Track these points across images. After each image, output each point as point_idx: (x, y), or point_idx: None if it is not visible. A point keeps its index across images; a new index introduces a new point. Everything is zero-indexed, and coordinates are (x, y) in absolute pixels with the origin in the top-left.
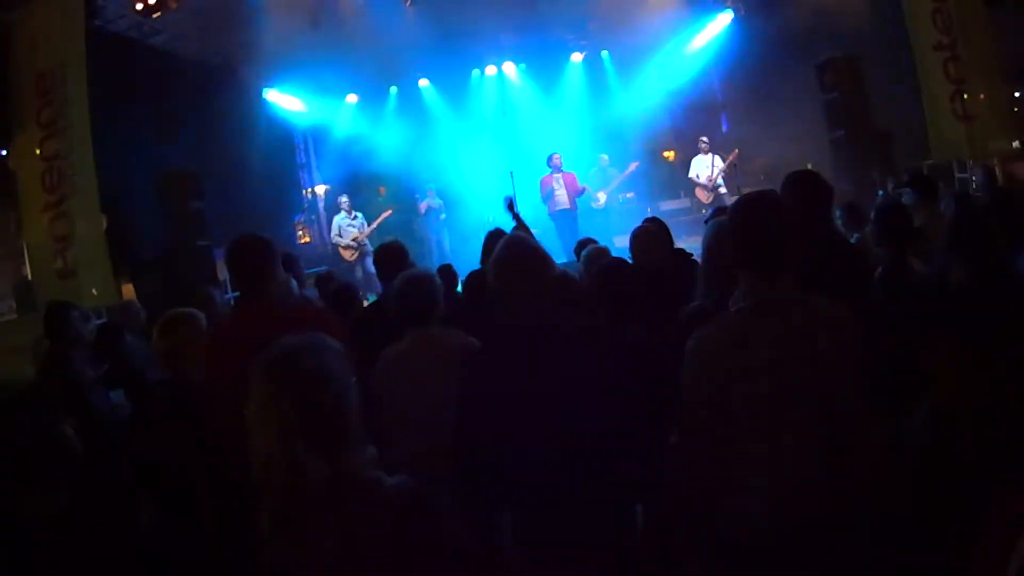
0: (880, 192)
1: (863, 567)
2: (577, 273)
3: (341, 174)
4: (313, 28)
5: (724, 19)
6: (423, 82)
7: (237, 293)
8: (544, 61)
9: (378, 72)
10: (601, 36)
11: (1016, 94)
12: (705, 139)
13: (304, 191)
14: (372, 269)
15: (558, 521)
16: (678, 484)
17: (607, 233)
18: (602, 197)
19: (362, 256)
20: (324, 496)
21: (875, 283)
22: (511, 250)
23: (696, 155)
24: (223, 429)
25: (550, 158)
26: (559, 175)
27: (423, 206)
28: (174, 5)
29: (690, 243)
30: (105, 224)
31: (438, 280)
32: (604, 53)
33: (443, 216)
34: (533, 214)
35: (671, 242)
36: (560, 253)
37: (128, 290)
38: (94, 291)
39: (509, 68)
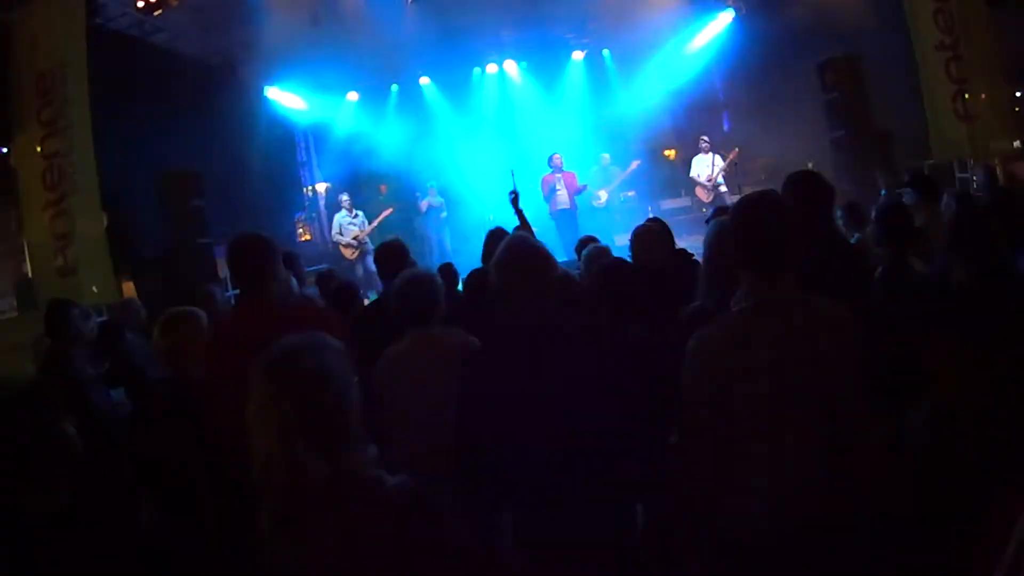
0: (883, 192)
1: (864, 567)
2: (577, 272)
3: (342, 172)
4: (314, 26)
5: (725, 18)
6: (424, 80)
7: (237, 291)
8: (545, 59)
9: (379, 70)
10: (602, 34)
11: (1017, 94)
12: (706, 138)
13: (305, 189)
14: (373, 267)
15: (559, 521)
16: (679, 484)
17: (608, 231)
18: (603, 195)
19: (363, 254)
20: (324, 495)
21: (875, 283)
22: (513, 250)
23: (697, 154)
24: (223, 428)
25: (551, 159)
26: (560, 175)
27: (424, 204)
28: (175, 3)
29: (690, 242)
30: (106, 222)
31: (439, 279)
32: (605, 51)
33: (444, 214)
34: (534, 212)
35: (672, 242)
36: (560, 252)
37: (128, 288)
38: (94, 289)
39: (510, 66)
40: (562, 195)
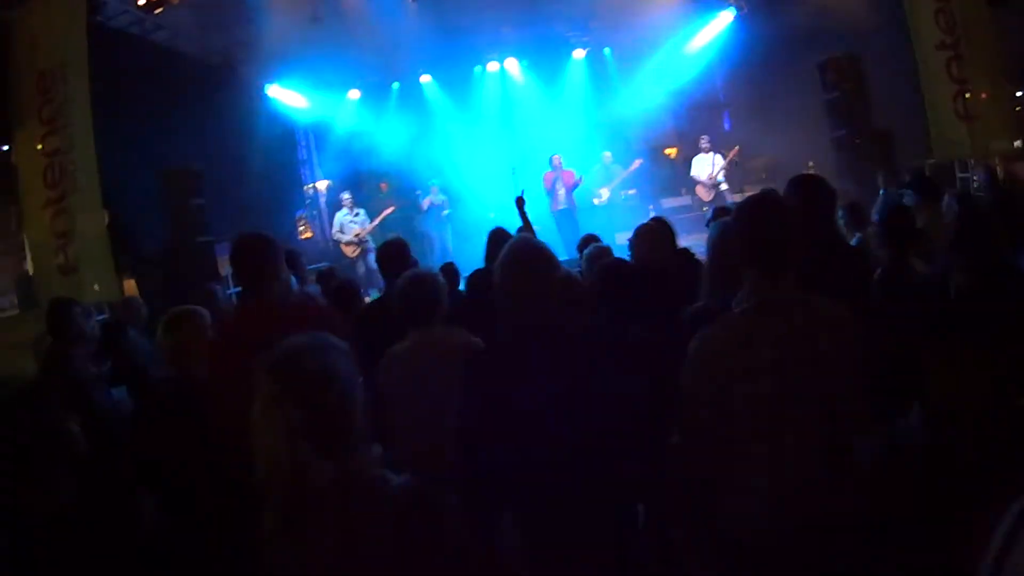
0: (882, 191)
1: (863, 567)
2: (578, 270)
3: (343, 170)
4: (314, 23)
5: (726, 17)
6: (425, 78)
7: (239, 288)
8: (546, 57)
9: (380, 68)
10: (603, 33)
11: (1018, 94)
12: (706, 138)
13: (305, 187)
14: (374, 265)
15: (560, 521)
16: (679, 484)
17: (609, 230)
18: (604, 194)
19: (364, 252)
20: (328, 495)
21: (874, 284)
22: (517, 251)
23: (697, 154)
24: (225, 427)
25: (550, 160)
26: (559, 175)
27: (425, 202)
28: (176, 1)
29: (691, 240)
30: (107, 220)
31: (441, 279)
32: (606, 50)
33: (446, 212)
34: (536, 211)
35: (674, 241)
36: (561, 251)
37: (130, 286)
38: (96, 287)
39: (511, 64)
40: (561, 195)
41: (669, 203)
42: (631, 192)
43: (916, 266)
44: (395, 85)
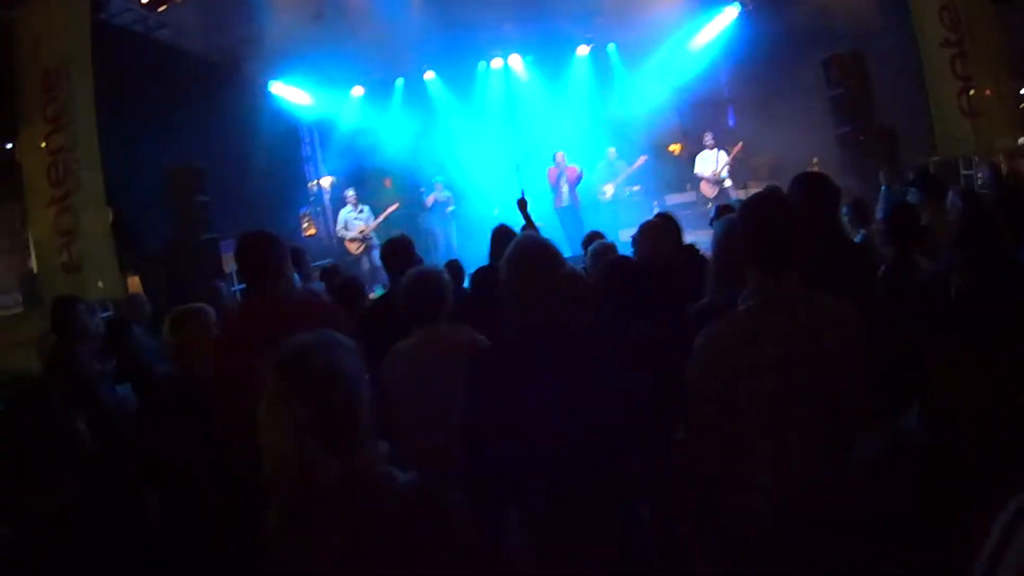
0: (884, 188)
1: (867, 564)
2: (582, 267)
3: (347, 167)
4: (318, 20)
5: (731, 13)
6: (429, 74)
7: (243, 285)
8: (550, 54)
9: (384, 64)
10: (608, 29)
11: (1023, 91)
12: (710, 135)
13: (309, 184)
14: (379, 262)
15: (565, 517)
16: (684, 480)
17: (613, 226)
18: (609, 190)
19: (368, 249)
20: (335, 492)
21: (878, 281)
22: (523, 249)
23: (701, 151)
24: (230, 424)
25: (553, 156)
26: (562, 171)
27: (430, 199)
28: None
29: (695, 236)
30: (111, 218)
31: (446, 276)
32: (611, 46)
33: (450, 209)
34: (540, 208)
35: (680, 237)
36: (565, 247)
37: (134, 283)
38: (100, 284)
39: (515, 61)
40: (564, 192)
41: (673, 199)
42: (635, 188)
43: (920, 263)
44: (399, 82)
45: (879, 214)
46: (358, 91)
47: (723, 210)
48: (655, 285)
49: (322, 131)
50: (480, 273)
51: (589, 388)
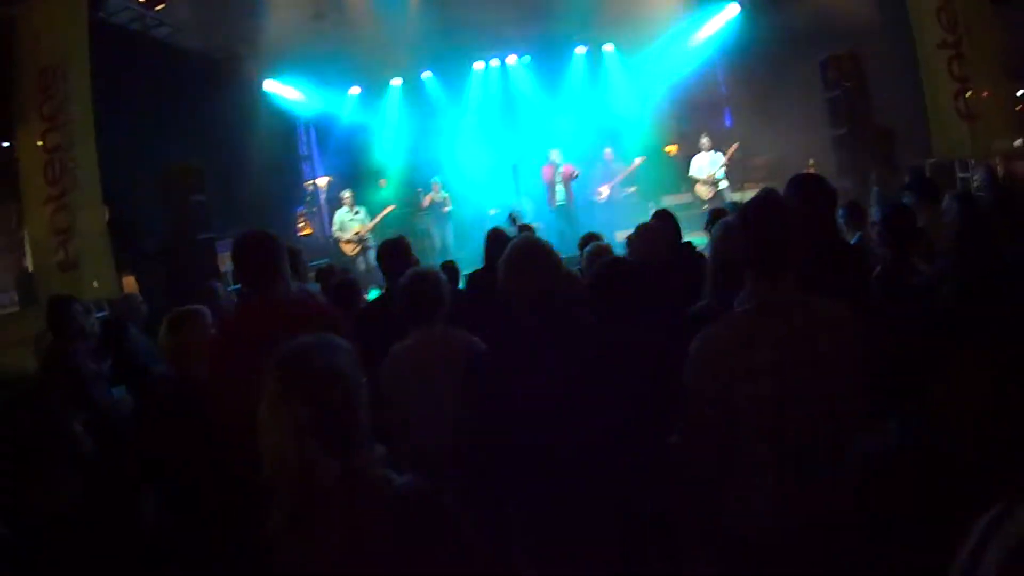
0: (874, 189)
1: (867, 565)
2: (578, 267)
3: (343, 166)
4: (316, 20)
5: (730, 11)
6: (426, 74)
7: (239, 286)
8: (547, 54)
9: (381, 64)
10: (605, 29)
11: (1020, 92)
12: (707, 138)
13: (306, 183)
14: (375, 262)
15: (563, 519)
16: (683, 481)
17: (609, 227)
18: (604, 191)
19: (364, 250)
20: (335, 493)
21: (874, 283)
22: (521, 250)
23: (697, 152)
24: (227, 425)
25: (548, 155)
26: (558, 171)
27: (426, 200)
28: None
29: (690, 238)
30: (107, 217)
31: (444, 278)
32: (608, 47)
33: (447, 209)
34: (536, 208)
35: (677, 236)
36: (560, 247)
37: (130, 283)
38: (95, 284)
39: (512, 61)
40: (559, 191)
41: (669, 201)
42: (632, 190)
43: (917, 266)
44: (396, 81)
45: (875, 216)
46: (355, 91)
47: (717, 214)
48: (649, 287)
49: (319, 130)
50: (477, 276)
51: (587, 389)
